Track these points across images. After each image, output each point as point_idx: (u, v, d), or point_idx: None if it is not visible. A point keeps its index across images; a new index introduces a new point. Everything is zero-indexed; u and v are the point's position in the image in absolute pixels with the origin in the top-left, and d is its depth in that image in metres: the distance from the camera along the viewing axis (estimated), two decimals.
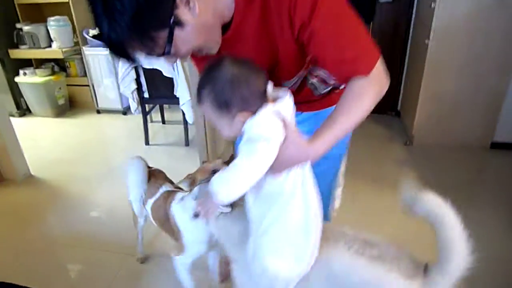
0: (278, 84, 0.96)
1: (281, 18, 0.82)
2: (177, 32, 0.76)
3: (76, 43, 3.88)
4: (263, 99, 0.83)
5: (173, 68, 2.84)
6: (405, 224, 2.14)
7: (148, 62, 2.85)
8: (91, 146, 3.35)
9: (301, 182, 0.89)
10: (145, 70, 2.92)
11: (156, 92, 3.06)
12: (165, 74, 2.87)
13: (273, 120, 0.80)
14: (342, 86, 1.03)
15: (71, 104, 4.21)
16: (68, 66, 4.07)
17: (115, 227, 2.21)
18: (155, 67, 2.86)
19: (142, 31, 0.73)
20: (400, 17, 3.39)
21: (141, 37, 0.74)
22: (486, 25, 2.61)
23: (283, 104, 0.84)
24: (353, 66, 0.84)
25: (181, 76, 2.85)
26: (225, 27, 0.86)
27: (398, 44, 3.44)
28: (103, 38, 0.75)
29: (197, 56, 0.92)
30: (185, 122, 3.12)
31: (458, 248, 0.87)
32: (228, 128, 0.85)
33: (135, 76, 2.95)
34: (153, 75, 2.95)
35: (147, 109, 3.25)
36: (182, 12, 0.76)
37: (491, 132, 2.96)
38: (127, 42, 0.75)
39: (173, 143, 3.34)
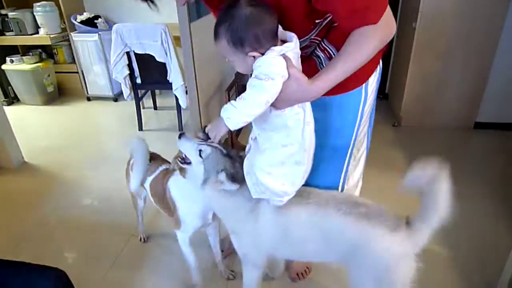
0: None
1: None
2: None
3: (64, 29, 3.82)
4: (274, 40, 0.91)
5: (166, 53, 2.85)
6: (397, 201, 2.25)
7: (141, 47, 2.85)
8: (83, 133, 3.35)
9: (302, 119, 1.00)
10: (137, 55, 2.93)
11: (149, 77, 3.07)
12: (157, 59, 2.88)
13: (278, 60, 0.90)
14: None
15: (60, 92, 4.17)
16: (56, 53, 4.02)
17: (113, 209, 2.26)
18: (147, 52, 2.87)
19: None
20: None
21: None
22: (471, 9, 2.70)
23: (289, 46, 0.92)
24: (364, 15, 0.87)
25: (174, 61, 2.87)
26: None
27: None
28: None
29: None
30: (178, 107, 3.15)
31: (442, 199, 1.00)
32: (241, 64, 0.95)
33: (127, 62, 2.95)
34: (146, 61, 2.96)
35: (139, 95, 3.25)
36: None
37: (475, 113, 3.09)
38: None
39: (166, 128, 3.37)
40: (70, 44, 3.86)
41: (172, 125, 3.38)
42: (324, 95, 1.04)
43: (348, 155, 1.27)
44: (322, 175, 1.26)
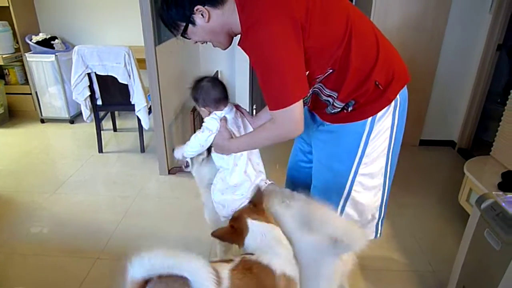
0: None
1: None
2: (191, 27, 1.15)
3: (17, 50, 3.70)
4: (218, 103, 1.40)
5: (129, 75, 2.86)
6: None
7: (103, 69, 2.85)
8: (38, 156, 3.21)
9: (242, 161, 1.39)
10: (98, 77, 2.91)
11: (110, 99, 3.05)
12: (120, 81, 2.88)
13: (211, 121, 1.39)
14: (350, 108, 1.23)
15: (10, 114, 3.97)
16: (7, 73, 3.85)
17: (74, 235, 2.19)
18: (110, 73, 2.87)
19: (172, 19, 1.15)
20: None
21: (171, 22, 1.16)
22: (413, 38, 3.02)
23: (223, 112, 1.41)
24: (266, 99, 1.11)
25: (137, 83, 2.89)
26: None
27: None
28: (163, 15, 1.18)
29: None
30: (140, 128, 3.14)
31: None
32: (202, 112, 1.46)
33: (88, 83, 2.92)
34: (107, 82, 2.94)
35: (100, 116, 3.20)
36: (197, 17, 1.13)
37: (419, 131, 3.39)
38: (167, 23, 1.18)
39: (127, 150, 3.33)
40: (23, 65, 3.73)
41: (133, 147, 3.35)
42: (330, 122, 1.30)
43: (350, 181, 1.34)
44: (322, 194, 1.41)
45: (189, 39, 1.20)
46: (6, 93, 3.88)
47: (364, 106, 1.22)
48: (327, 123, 1.32)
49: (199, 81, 1.42)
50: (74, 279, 1.84)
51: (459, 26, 3.01)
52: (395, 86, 1.23)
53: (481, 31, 2.97)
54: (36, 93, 3.78)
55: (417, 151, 3.38)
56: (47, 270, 1.92)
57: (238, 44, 1.15)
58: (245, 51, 1.12)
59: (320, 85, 1.22)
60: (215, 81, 1.43)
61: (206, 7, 1.11)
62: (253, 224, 1.16)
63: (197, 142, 1.41)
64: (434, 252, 2.06)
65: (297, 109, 1.06)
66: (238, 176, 1.40)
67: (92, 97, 3.02)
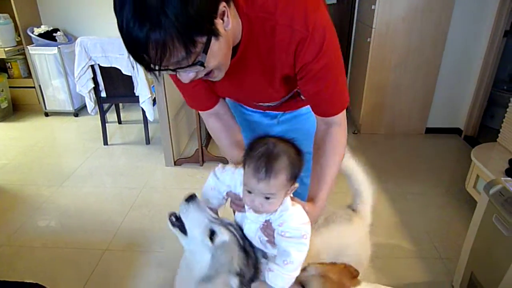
0: (265, 103, 1.15)
1: (287, 55, 0.87)
2: (213, 42, 0.73)
3: (19, 43, 3.69)
4: None
5: (133, 67, 2.85)
6: None
7: (106, 61, 2.84)
8: (43, 150, 3.22)
9: None
10: (102, 69, 2.90)
11: (114, 91, 3.04)
12: (124, 72, 2.87)
13: (301, 211, 0.89)
14: None
15: (14, 108, 3.97)
16: (10, 67, 3.85)
17: (81, 227, 2.20)
18: (113, 65, 2.86)
19: (188, 31, 0.67)
20: (344, 17, 3.71)
21: (185, 37, 0.68)
22: (420, 25, 2.98)
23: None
24: (328, 105, 0.98)
25: (141, 74, 2.88)
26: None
27: (342, 42, 3.75)
28: (131, 40, 0.68)
29: (194, 80, 0.83)
30: (145, 120, 3.14)
31: (367, 185, 1.25)
32: (277, 202, 0.86)
33: (92, 75, 2.91)
34: (111, 74, 2.93)
35: (104, 109, 3.20)
36: (219, 23, 0.73)
37: (425, 119, 3.37)
38: (169, 41, 0.66)
39: (133, 142, 3.34)
40: (26, 58, 3.72)
41: (139, 139, 3.35)
42: (304, 106, 1.17)
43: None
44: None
45: (202, 66, 0.75)
46: (10, 87, 3.88)
47: None
48: (299, 109, 1.23)
49: (275, 147, 0.84)
50: (83, 271, 1.86)
51: (465, 12, 2.97)
52: None
53: (488, 17, 2.92)
54: (39, 86, 3.77)
55: (423, 139, 3.36)
56: (56, 262, 1.94)
57: (234, 60, 0.87)
58: (278, 62, 0.90)
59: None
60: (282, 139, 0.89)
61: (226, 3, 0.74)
62: None
63: (306, 254, 0.89)
64: (441, 240, 2.06)
65: None
66: None
67: (96, 89, 3.01)
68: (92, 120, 3.68)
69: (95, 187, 2.62)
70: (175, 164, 2.87)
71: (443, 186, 2.59)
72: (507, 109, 2.22)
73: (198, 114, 2.76)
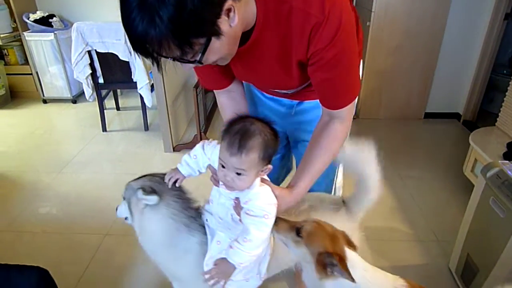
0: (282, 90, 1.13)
1: (301, 40, 0.84)
2: (213, 41, 0.73)
3: (15, 29, 3.65)
4: None
5: (130, 52, 2.82)
6: None
7: (103, 46, 2.81)
8: (41, 136, 3.22)
9: None
10: (99, 54, 2.87)
11: (112, 76, 3.02)
12: (121, 58, 2.85)
13: (268, 191, 0.92)
14: None
15: (12, 95, 3.95)
16: (7, 53, 3.81)
17: (80, 212, 2.22)
18: (110, 51, 2.83)
19: (183, 34, 0.68)
20: None
21: (180, 39, 0.68)
22: (418, 9, 2.95)
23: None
24: (334, 97, 0.94)
25: (138, 60, 2.85)
26: (243, 37, 0.83)
27: None
28: (132, 32, 0.68)
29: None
30: (143, 106, 3.13)
31: (373, 184, 1.11)
32: (249, 181, 0.89)
33: (89, 61, 2.89)
34: (108, 60, 2.91)
35: (102, 95, 3.19)
36: (223, 22, 0.72)
37: (424, 104, 3.37)
38: (164, 41, 0.68)
39: (131, 128, 3.33)
40: (22, 44, 3.68)
41: (137, 125, 3.35)
42: (310, 99, 1.14)
43: None
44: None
45: (199, 63, 0.77)
46: (7, 74, 3.85)
47: None
48: (307, 101, 1.17)
49: (252, 125, 0.86)
50: (84, 256, 1.88)
51: None
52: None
53: (488, 0, 2.89)
54: (36, 73, 3.75)
55: (422, 124, 3.36)
56: (56, 248, 1.96)
57: (248, 45, 0.86)
58: (292, 48, 0.87)
59: None
60: (260, 119, 0.91)
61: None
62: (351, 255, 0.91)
63: (267, 233, 0.92)
64: (438, 223, 2.08)
65: None
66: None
67: (94, 75, 2.99)
68: (90, 107, 3.67)
69: (94, 173, 2.63)
70: (173, 150, 2.87)
71: (441, 170, 2.60)
72: (507, 93, 2.22)
73: (197, 100, 2.75)
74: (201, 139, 2.84)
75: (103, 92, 3.23)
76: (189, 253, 1.08)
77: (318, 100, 1.06)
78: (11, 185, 2.51)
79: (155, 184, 1.06)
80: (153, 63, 0.74)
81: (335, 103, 0.95)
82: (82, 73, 2.92)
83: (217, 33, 0.72)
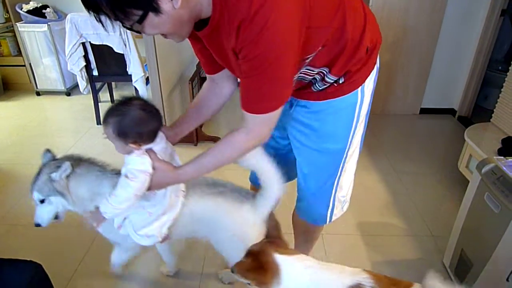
0: None
1: (232, 33, 0.84)
2: (151, 16, 0.79)
3: (8, 19, 3.59)
4: (153, 138, 1.07)
5: (125, 45, 2.79)
6: (354, 181, 2.43)
7: (97, 38, 2.77)
8: (35, 129, 3.18)
9: (168, 194, 1.18)
10: (94, 46, 2.84)
11: (106, 69, 2.99)
12: (116, 50, 2.81)
13: (143, 159, 1.05)
14: (342, 80, 1.05)
15: (5, 87, 3.90)
16: None
17: None
18: (104, 43, 2.80)
19: (118, 2, 0.76)
20: None
21: (114, 6, 0.76)
22: (415, 4, 2.94)
23: (157, 143, 1.08)
24: (243, 97, 0.93)
25: (134, 52, 2.82)
26: (205, 23, 0.88)
27: None
28: None
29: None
30: None
31: (274, 184, 1.18)
32: (120, 149, 1.07)
33: (83, 53, 2.85)
34: (103, 52, 2.88)
35: (96, 88, 3.16)
36: (164, 1, 0.78)
37: (420, 99, 3.37)
38: (103, 7, 0.77)
39: None
40: (15, 36, 3.63)
41: None
42: (316, 100, 1.10)
43: (343, 159, 1.21)
44: (317, 180, 1.26)
45: (138, 32, 0.86)
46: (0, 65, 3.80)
47: (354, 75, 1.06)
48: (312, 101, 1.12)
49: (125, 108, 1.02)
50: (78, 249, 1.87)
51: None
52: (377, 49, 1.11)
53: None
54: (30, 64, 3.70)
55: (417, 119, 3.37)
56: (51, 241, 1.94)
57: (207, 31, 0.89)
58: (223, 41, 0.88)
59: (307, 68, 1.02)
60: (149, 106, 1.05)
61: None
62: (284, 260, 0.98)
63: (131, 193, 1.05)
64: (433, 218, 2.09)
65: (279, 112, 0.94)
66: (165, 204, 1.21)
67: (88, 67, 2.96)
68: (85, 99, 3.63)
69: None
70: None
71: (436, 166, 2.61)
72: (502, 89, 2.22)
73: (192, 93, 2.73)
74: (196, 133, 2.83)
75: (98, 84, 3.19)
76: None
77: (323, 102, 1.09)
78: (4, 177, 2.48)
79: (55, 163, 1.29)
80: (97, 21, 0.82)
81: (244, 102, 0.94)
82: (76, 65, 2.88)
83: (155, 9, 0.78)
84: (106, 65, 2.97)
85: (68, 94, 3.85)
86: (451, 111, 3.38)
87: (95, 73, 3.01)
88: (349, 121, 1.14)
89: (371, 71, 1.10)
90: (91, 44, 2.83)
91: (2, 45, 3.76)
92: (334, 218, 1.35)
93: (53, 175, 1.24)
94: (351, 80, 1.06)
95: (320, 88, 1.08)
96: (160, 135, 1.10)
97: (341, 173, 1.25)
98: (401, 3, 2.93)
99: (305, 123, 1.17)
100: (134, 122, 1.01)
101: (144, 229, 1.22)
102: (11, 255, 1.21)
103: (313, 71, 1.02)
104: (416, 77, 3.25)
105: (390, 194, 2.28)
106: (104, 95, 3.62)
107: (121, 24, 0.82)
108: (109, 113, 1.03)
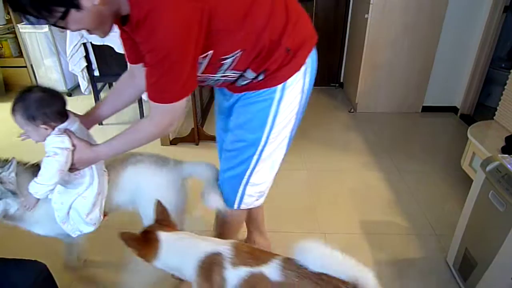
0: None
1: (133, 29, 0.94)
2: (73, 12, 0.86)
3: (9, 21, 3.59)
4: (62, 117, 1.17)
5: None
6: (356, 180, 2.42)
7: (98, 38, 2.77)
8: None
9: (95, 174, 1.28)
10: (95, 47, 2.84)
11: (108, 69, 2.99)
12: (117, 50, 2.81)
13: (61, 138, 1.15)
14: (261, 77, 1.13)
15: (6, 88, 3.90)
16: (0, 46, 3.76)
17: None
18: (106, 43, 2.79)
19: (40, 2, 0.83)
20: None
21: (37, 6, 0.83)
22: (417, 1, 2.93)
23: (71, 123, 1.19)
24: (155, 91, 1.00)
25: None
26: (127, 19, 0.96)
27: (339, 19, 3.69)
28: None
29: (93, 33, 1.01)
30: (139, 99, 3.10)
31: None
32: (35, 134, 1.18)
33: (84, 54, 2.85)
34: (104, 52, 2.87)
35: (97, 88, 3.16)
36: None
37: (422, 98, 3.36)
38: (27, 7, 0.83)
39: (127, 122, 3.30)
40: (16, 37, 3.63)
41: (133, 118, 3.32)
42: (239, 92, 1.21)
43: (257, 152, 1.25)
44: (228, 162, 1.32)
45: (63, 28, 0.93)
46: (1, 67, 3.81)
47: (275, 73, 1.13)
48: (236, 93, 1.23)
49: (26, 93, 1.13)
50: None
51: None
52: (305, 51, 1.16)
53: None
54: (31, 66, 3.70)
55: (419, 117, 3.36)
56: (50, 241, 1.93)
57: (122, 27, 1.01)
58: (135, 36, 0.97)
59: (233, 72, 1.12)
60: (48, 89, 1.17)
61: None
62: (164, 236, 1.11)
63: (55, 169, 1.14)
64: (436, 217, 2.08)
65: (184, 104, 1.03)
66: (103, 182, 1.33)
67: (89, 68, 2.96)
68: (86, 100, 3.63)
69: None
70: (171, 144, 2.85)
71: (439, 164, 2.60)
72: (505, 87, 2.21)
73: (193, 93, 2.73)
74: (198, 133, 2.83)
75: (99, 85, 3.19)
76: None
77: (245, 93, 1.20)
78: None
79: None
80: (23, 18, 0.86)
81: (147, 91, 1.02)
82: (77, 65, 2.88)
83: (76, 6, 0.86)
84: (107, 65, 2.97)
85: (69, 94, 3.85)
86: (453, 109, 3.36)
87: (96, 73, 3.01)
88: (265, 115, 1.19)
89: (296, 71, 1.15)
90: (92, 45, 2.83)
91: (3, 46, 3.77)
92: (244, 207, 1.38)
93: (4, 177, 1.28)
94: (271, 77, 1.14)
95: (243, 83, 1.17)
96: (72, 117, 1.21)
97: (254, 167, 1.29)
98: (402, 1, 2.92)
99: (233, 110, 1.27)
100: (37, 102, 1.12)
101: (90, 215, 1.32)
102: (15, 255, 1.21)
103: (236, 73, 1.13)
104: (418, 75, 3.24)
105: (393, 193, 2.27)
106: (105, 95, 3.61)
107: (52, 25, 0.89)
108: (14, 102, 1.12)
